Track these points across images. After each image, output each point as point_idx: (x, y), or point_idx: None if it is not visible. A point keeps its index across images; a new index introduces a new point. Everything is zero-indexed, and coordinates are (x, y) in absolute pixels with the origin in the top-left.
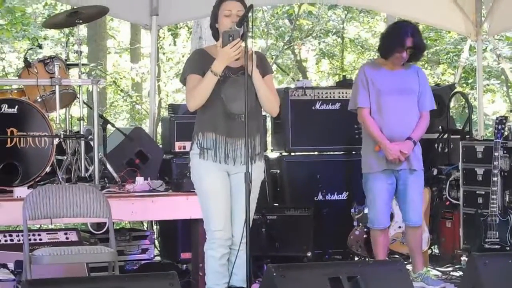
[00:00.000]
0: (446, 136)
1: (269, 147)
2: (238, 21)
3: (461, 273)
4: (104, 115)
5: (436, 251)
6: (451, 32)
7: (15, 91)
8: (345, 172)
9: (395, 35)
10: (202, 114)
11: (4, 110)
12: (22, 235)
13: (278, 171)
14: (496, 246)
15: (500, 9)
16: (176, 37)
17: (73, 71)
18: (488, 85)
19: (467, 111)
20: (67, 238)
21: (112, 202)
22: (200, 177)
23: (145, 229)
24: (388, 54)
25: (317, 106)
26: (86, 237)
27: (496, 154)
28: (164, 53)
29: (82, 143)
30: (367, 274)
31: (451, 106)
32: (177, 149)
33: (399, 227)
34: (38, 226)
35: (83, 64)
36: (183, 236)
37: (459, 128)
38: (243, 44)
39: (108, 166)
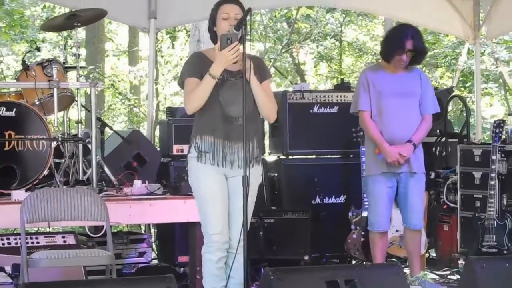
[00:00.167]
0: (444, 139)
1: (267, 150)
2: (236, 24)
3: (458, 276)
4: (102, 118)
5: (434, 254)
6: (449, 36)
7: (13, 94)
8: (342, 175)
9: (395, 37)
10: (200, 117)
11: (2, 113)
12: (20, 238)
13: (276, 174)
14: (494, 250)
15: (498, 13)
16: (174, 40)
17: (71, 74)
18: (486, 88)
19: (465, 114)
20: (64, 241)
21: (110, 205)
22: (198, 180)
23: (143, 232)
24: (389, 57)
25: (315, 109)
26: (83, 240)
27: (493, 157)
28: (162, 56)
29: (80, 146)
30: (365, 277)
31: (449, 110)
32: (175, 152)
33: (397, 230)
34: (36, 229)
35: (81, 67)
36: (180, 240)
37: (457, 131)
38: (241, 47)
39: (106, 169)
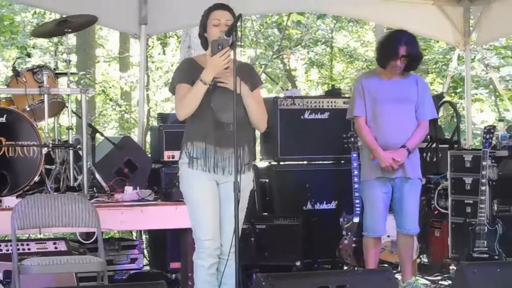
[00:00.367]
0: (434, 145)
1: (258, 156)
2: (227, 30)
3: (449, 282)
4: (93, 124)
5: (425, 260)
6: (440, 42)
7: (4, 100)
8: (334, 181)
9: (389, 43)
10: (191, 123)
11: None
12: (11, 245)
13: (267, 180)
14: (485, 255)
15: (488, 19)
16: (165, 46)
17: (62, 80)
18: (477, 94)
19: (455, 120)
20: (55, 247)
21: (101, 212)
22: (189, 187)
23: (134, 238)
24: (384, 63)
25: (306, 115)
26: (75, 247)
27: (484, 163)
28: (153, 62)
29: (71, 152)
30: (356, 283)
31: (439, 115)
32: (166, 158)
33: (388, 236)
34: (27, 235)
35: (72, 73)
36: (172, 246)
37: (448, 137)
38: (232, 53)
39: (97, 175)
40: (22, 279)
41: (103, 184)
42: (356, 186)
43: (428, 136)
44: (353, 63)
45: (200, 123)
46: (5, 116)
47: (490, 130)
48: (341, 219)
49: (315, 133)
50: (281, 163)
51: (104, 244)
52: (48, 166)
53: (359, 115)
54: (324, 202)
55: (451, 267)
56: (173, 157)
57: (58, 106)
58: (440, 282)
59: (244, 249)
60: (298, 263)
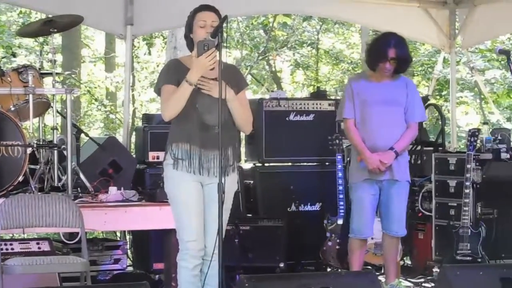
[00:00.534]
0: (419, 148)
1: (243, 157)
2: (213, 31)
3: (432, 284)
4: (78, 124)
5: (408, 262)
6: (425, 44)
7: None
8: (318, 183)
9: (378, 46)
10: (176, 124)
11: None
12: None
13: (252, 181)
14: (468, 258)
15: (474, 22)
16: (151, 46)
17: (47, 80)
18: (462, 97)
19: (440, 123)
20: (39, 248)
21: (85, 212)
22: (174, 188)
23: (118, 239)
24: (373, 65)
25: (291, 117)
26: (58, 247)
27: (468, 166)
28: (138, 63)
29: (55, 152)
30: (340, 285)
31: None
32: (150, 159)
33: (372, 238)
34: (11, 235)
35: (57, 73)
36: (156, 247)
37: (432, 140)
38: (218, 54)
39: (81, 175)
40: (5, 279)
41: (88, 184)
42: (340, 188)
43: None
44: (339, 65)
45: (185, 124)
46: None
47: (474, 133)
48: (325, 221)
49: (300, 135)
50: (266, 164)
51: (88, 245)
52: (32, 166)
53: (348, 117)
54: (308, 204)
55: (434, 270)
56: (157, 158)
57: (43, 106)
58: (423, 284)
59: (227, 250)
60: (281, 265)
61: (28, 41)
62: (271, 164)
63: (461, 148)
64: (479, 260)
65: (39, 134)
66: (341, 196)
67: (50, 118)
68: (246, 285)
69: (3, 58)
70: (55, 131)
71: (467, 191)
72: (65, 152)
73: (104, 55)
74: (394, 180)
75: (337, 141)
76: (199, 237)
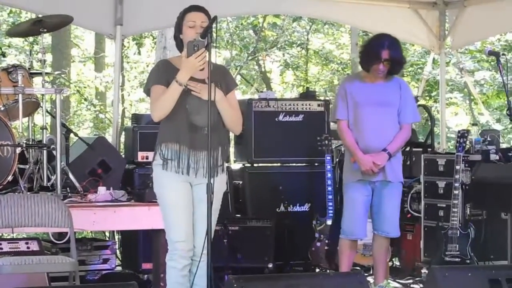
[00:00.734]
0: (408, 148)
1: (232, 158)
2: (202, 32)
3: (421, 285)
4: (67, 124)
5: (397, 263)
6: (415, 45)
7: None
8: (307, 183)
9: (371, 47)
10: (165, 125)
11: None
12: None
13: (241, 182)
14: (457, 259)
15: (463, 23)
16: (141, 46)
17: (37, 80)
18: (451, 98)
19: (429, 124)
20: (28, 247)
21: (74, 212)
22: (163, 188)
23: (107, 239)
24: (367, 66)
25: (280, 117)
26: (47, 247)
27: (457, 167)
28: (128, 62)
29: (45, 152)
30: (328, 286)
31: None
32: (139, 159)
33: (361, 239)
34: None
35: (47, 73)
36: (144, 247)
37: (422, 141)
38: (207, 54)
39: (71, 175)
40: None
41: (77, 184)
42: (329, 188)
43: None
44: (328, 66)
45: (174, 124)
46: None
47: (464, 134)
48: (314, 222)
49: (289, 135)
50: (255, 165)
51: (77, 244)
52: (21, 166)
53: (341, 118)
54: (297, 205)
55: (423, 271)
56: (147, 158)
57: (32, 106)
58: (411, 285)
59: (216, 250)
60: (270, 265)
61: (18, 41)
62: (260, 164)
63: (450, 149)
64: (468, 261)
65: (29, 134)
66: (330, 196)
67: (40, 118)
68: (235, 285)
69: None
70: (44, 130)
71: (456, 192)
72: (54, 152)
73: (93, 55)
74: (387, 181)
75: (326, 141)
76: (188, 238)
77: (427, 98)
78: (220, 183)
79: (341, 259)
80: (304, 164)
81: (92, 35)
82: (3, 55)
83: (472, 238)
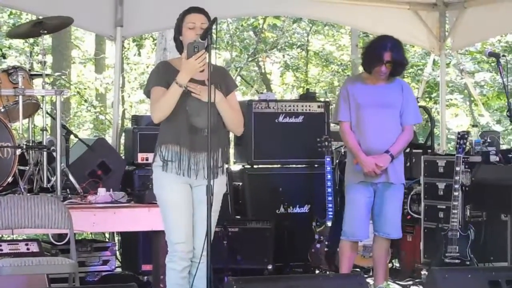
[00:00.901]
0: (408, 150)
1: (232, 159)
2: (202, 33)
3: (421, 287)
4: (67, 125)
5: (397, 265)
6: (415, 46)
7: None
8: (307, 185)
9: (374, 49)
10: (165, 126)
11: None
12: None
13: (241, 183)
14: (456, 261)
15: (464, 24)
16: (141, 47)
17: (37, 81)
18: (451, 99)
19: (429, 125)
20: (28, 249)
21: (74, 213)
22: (162, 189)
23: (107, 240)
24: (369, 68)
25: (280, 119)
26: (47, 248)
27: (457, 168)
28: (128, 64)
29: (45, 153)
30: (327, 287)
31: None
32: (139, 161)
33: (361, 241)
34: None
35: (47, 75)
36: (144, 248)
37: (422, 142)
38: (207, 56)
39: (71, 177)
40: None
41: (77, 185)
42: (329, 190)
43: None
44: (329, 67)
45: (175, 126)
46: None
47: (463, 136)
48: (313, 223)
49: (289, 136)
50: (255, 166)
51: (76, 246)
52: (21, 167)
53: (343, 120)
54: (297, 206)
55: (422, 272)
56: (146, 159)
57: (32, 107)
58: (411, 287)
59: (216, 252)
60: (270, 267)
61: (18, 42)
62: (260, 166)
63: (450, 150)
64: (468, 263)
65: (29, 135)
66: (330, 198)
67: (40, 119)
68: (234, 287)
69: None
70: (44, 132)
71: (456, 193)
72: (54, 153)
73: (94, 56)
74: (389, 183)
75: (326, 143)
76: (187, 239)
77: (427, 99)
78: (220, 185)
79: (342, 261)
80: (304, 166)
81: (92, 36)
82: (4, 56)
83: (472, 240)
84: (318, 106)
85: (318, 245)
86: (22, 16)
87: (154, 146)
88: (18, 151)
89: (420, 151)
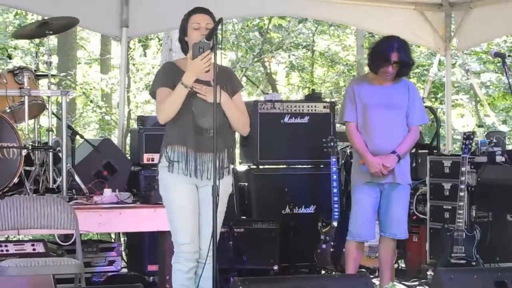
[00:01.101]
0: (414, 150)
1: (238, 159)
2: (208, 34)
3: (427, 287)
4: (73, 125)
5: (403, 265)
6: (421, 47)
7: None
8: (313, 185)
9: (380, 49)
10: (171, 127)
11: None
12: None
13: (246, 184)
14: (462, 261)
15: (469, 25)
16: (147, 48)
17: (43, 82)
18: (457, 100)
19: (435, 125)
20: (34, 249)
21: (80, 214)
22: (168, 190)
23: (113, 241)
24: (375, 69)
25: (286, 119)
26: (53, 249)
27: (463, 169)
28: (134, 64)
29: (51, 154)
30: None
31: None
32: (145, 161)
33: (367, 241)
34: (5, 237)
35: (52, 75)
36: (150, 248)
37: (427, 142)
38: (213, 56)
39: (76, 177)
40: None
41: (82, 186)
42: (335, 190)
43: None
44: (334, 67)
45: (180, 127)
46: None
47: (469, 136)
48: (319, 224)
49: (294, 137)
50: (260, 167)
51: (82, 246)
52: (27, 168)
53: (349, 120)
54: (303, 207)
55: (428, 273)
56: (152, 160)
57: (38, 108)
58: (417, 287)
59: (222, 252)
60: (275, 267)
61: (24, 43)
62: (266, 166)
63: (456, 151)
64: (474, 263)
65: (34, 135)
66: (335, 198)
67: (46, 120)
68: (240, 287)
69: None
70: (50, 132)
71: (461, 194)
72: (60, 154)
73: (99, 57)
74: (395, 183)
75: (332, 143)
76: (193, 240)
77: (433, 99)
78: (226, 185)
79: (348, 261)
80: (309, 166)
81: (98, 37)
82: (9, 57)
83: (478, 240)
84: (324, 107)
85: (324, 246)
86: (27, 16)
87: (159, 146)
88: (24, 152)
89: (426, 151)
